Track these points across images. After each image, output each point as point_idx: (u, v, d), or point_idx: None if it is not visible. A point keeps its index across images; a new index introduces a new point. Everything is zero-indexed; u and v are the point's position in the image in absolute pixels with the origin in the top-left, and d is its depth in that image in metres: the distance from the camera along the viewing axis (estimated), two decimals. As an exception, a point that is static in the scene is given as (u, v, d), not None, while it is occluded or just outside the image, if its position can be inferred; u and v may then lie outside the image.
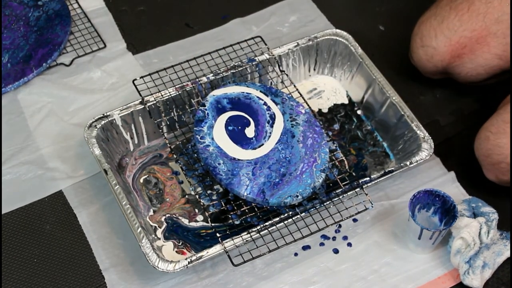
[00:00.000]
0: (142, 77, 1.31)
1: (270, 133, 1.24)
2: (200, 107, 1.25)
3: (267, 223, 1.17)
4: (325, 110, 1.42)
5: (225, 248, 1.13)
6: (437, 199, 1.19)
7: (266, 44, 1.38)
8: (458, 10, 1.32)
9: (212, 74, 1.34)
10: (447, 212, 1.19)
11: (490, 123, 1.23)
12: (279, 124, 1.25)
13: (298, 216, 1.18)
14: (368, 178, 1.23)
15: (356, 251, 1.23)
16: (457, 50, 1.33)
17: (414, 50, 1.39)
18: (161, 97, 1.31)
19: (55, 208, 1.28)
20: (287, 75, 1.37)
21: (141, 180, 1.31)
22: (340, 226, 1.25)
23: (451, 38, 1.33)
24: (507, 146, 1.19)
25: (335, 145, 1.30)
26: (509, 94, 1.27)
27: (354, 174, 1.30)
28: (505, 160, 1.20)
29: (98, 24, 1.56)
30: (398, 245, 1.23)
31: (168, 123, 1.33)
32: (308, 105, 1.31)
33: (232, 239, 1.15)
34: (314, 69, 1.47)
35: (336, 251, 1.23)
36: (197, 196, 1.25)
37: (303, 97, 1.33)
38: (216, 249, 1.14)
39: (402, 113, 1.31)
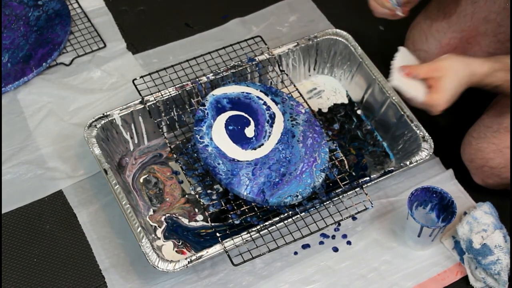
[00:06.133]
0: (142, 76, 1.31)
1: (270, 133, 1.24)
2: (200, 107, 1.25)
3: (267, 223, 1.17)
4: (325, 110, 1.42)
5: (225, 247, 1.13)
6: (434, 195, 1.19)
7: (266, 44, 1.38)
8: (445, 12, 1.33)
9: (212, 74, 1.34)
10: (445, 208, 1.19)
11: (472, 129, 1.26)
12: (279, 124, 1.25)
13: (298, 215, 1.18)
14: (368, 178, 1.23)
15: (356, 249, 1.23)
16: (448, 51, 1.34)
17: None
18: (161, 96, 1.31)
19: (55, 208, 1.28)
20: (287, 74, 1.37)
21: (141, 180, 1.31)
22: (339, 224, 1.25)
23: (441, 41, 1.34)
24: (488, 150, 1.21)
25: (335, 144, 1.30)
26: (493, 99, 1.28)
27: (354, 173, 1.30)
28: (487, 164, 1.21)
29: (98, 24, 1.56)
30: (398, 243, 1.24)
31: (168, 122, 1.33)
32: (308, 104, 1.31)
33: (232, 239, 1.15)
34: (314, 69, 1.47)
35: (335, 249, 1.23)
36: (197, 196, 1.25)
37: (303, 97, 1.33)
38: (216, 248, 1.14)
39: (402, 113, 1.31)
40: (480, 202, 1.23)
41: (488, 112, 1.25)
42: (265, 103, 1.27)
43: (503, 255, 1.14)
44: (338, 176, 1.24)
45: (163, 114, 1.32)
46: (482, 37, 1.31)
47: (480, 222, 1.17)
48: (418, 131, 1.29)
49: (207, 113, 1.24)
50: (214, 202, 1.25)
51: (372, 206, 1.21)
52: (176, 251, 1.22)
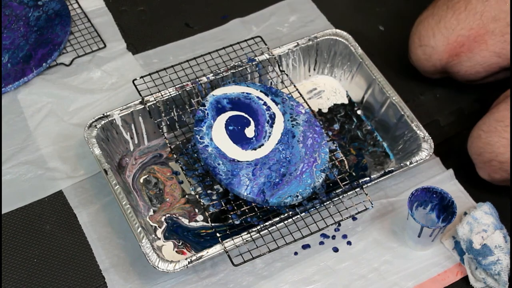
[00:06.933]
0: (142, 77, 1.31)
1: (270, 133, 1.24)
2: (200, 107, 1.25)
3: (267, 223, 1.17)
4: (325, 110, 1.42)
5: (225, 248, 1.13)
6: (434, 196, 1.19)
7: (266, 44, 1.38)
8: (455, 9, 1.33)
9: (212, 74, 1.34)
10: (445, 208, 1.19)
11: (482, 122, 1.24)
12: (279, 124, 1.25)
13: (298, 216, 1.18)
14: (368, 178, 1.23)
15: (356, 250, 1.23)
16: (455, 49, 1.33)
17: (412, 50, 1.40)
18: (161, 97, 1.31)
19: (55, 208, 1.28)
20: (287, 75, 1.37)
21: (141, 180, 1.31)
22: (339, 224, 1.25)
23: (448, 37, 1.33)
24: (498, 145, 1.20)
25: (335, 145, 1.30)
26: (503, 93, 1.28)
27: (354, 174, 1.30)
28: (496, 158, 1.20)
29: (98, 24, 1.56)
30: (398, 243, 1.24)
31: (168, 123, 1.33)
32: (308, 105, 1.31)
33: (232, 239, 1.15)
34: (314, 69, 1.47)
35: (336, 249, 1.23)
36: (197, 196, 1.25)
37: (303, 97, 1.33)
38: (216, 249, 1.14)
39: (402, 113, 1.31)
40: (480, 202, 1.23)
41: (499, 106, 1.24)
42: (265, 103, 1.27)
43: (503, 256, 1.14)
44: (338, 176, 1.24)
45: (163, 114, 1.32)
46: (489, 36, 1.30)
47: (480, 222, 1.17)
48: (418, 131, 1.29)
49: (207, 113, 1.24)
50: (214, 202, 1.25)
51: (372, 206, 1.21)
52: (176, 251, 1.22)
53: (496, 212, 1.21)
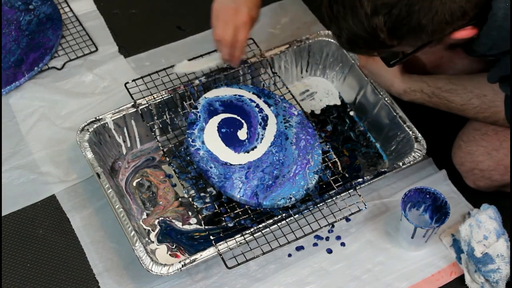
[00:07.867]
0: (134, 80, 1.31)
1: (263, 135, 1.24)
2: (193, 110, 1.25)
3: (260, 225, 1.17)
4: (317, 112, 1.42)
5: (218, 250, 1.13)
6: (427, 196, 1.19)
7: (258, 46, 1.38)
8: None
9: (204, 77, 1.34)
10: (438, 209, 1.19)
11: (462, 132, 1.26)
12: (272, 126, 1.25)
13: (292, 218, 1.18)
14: (361, 179, 1.23)
15: (350, 251, 1.23)
16: (435, 61, 1.35)
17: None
18: (153, 100, 1.30)
19: (48, 213, 1.28)
20: (279, 76, 1.37)
21: (134, 184, 1.31)
22: (333, 226, 1.25)
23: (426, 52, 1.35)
24: (477, 153, 1.21)
25: (328, 146, 1.30)
26: None
27: (347, 175, 1.30)
28: (477, 166, 1.22)
29: (89, 28, 1.56)
30: (391, 244, 1.24)
31: (160, 126, 1.33)
32: (300, 106, 1.31)
33: (226, 242, 1.14)
34: (306, 71, 1.47)
35: (329, 251, 1.23)
36: (190, 199, 1.25)
37: (295, 99, 1.33)
38: (210, 251, 1.14)
39: (395, 113, 1.31)
40: (485, 204, 1.22)
41: None
42: (257, 106, 1.27)
43: (504, 265, 1.14)
44: (332, 178, 1.24)
45: (155, 117, 1.31)
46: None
47: (482, 226, 1.17)
48: (410, 132, 1.29)
49: (200, 116, 1.24)
50: (207, 205, 1.25)
51: (365, 208, 1.21)
52: (169, 254, 1.22)
53: (500, 216, 1.20)
